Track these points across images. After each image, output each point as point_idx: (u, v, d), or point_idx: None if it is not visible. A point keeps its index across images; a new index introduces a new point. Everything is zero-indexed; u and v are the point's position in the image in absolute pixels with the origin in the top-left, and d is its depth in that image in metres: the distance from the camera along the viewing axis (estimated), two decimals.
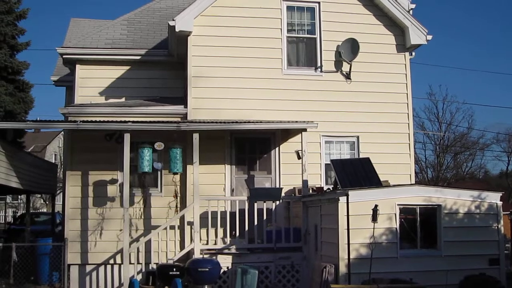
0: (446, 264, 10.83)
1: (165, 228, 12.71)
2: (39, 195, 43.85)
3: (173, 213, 13.48)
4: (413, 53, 16.20)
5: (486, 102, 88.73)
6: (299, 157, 13.26)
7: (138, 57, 15.22)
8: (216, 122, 13.07)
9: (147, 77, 15.32)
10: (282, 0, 14.47)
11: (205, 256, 12.41)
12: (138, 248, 12.73)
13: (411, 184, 13.34)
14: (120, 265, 12.96)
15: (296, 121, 13.41)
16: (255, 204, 12.81)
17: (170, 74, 15.38)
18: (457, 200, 11.21)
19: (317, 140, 14.14)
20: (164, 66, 15.37)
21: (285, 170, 14.01)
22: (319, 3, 14.63)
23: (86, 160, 13.49)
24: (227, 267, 12.48)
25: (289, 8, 14.58)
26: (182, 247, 13.10)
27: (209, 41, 14.02)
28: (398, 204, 10.87)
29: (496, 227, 11.41)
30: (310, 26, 14.69)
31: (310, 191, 13.20)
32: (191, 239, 12.75)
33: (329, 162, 13.65)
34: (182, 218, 13.11)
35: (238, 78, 14.04)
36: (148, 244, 12.67)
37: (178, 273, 11.66)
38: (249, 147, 14.24)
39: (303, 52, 14.71)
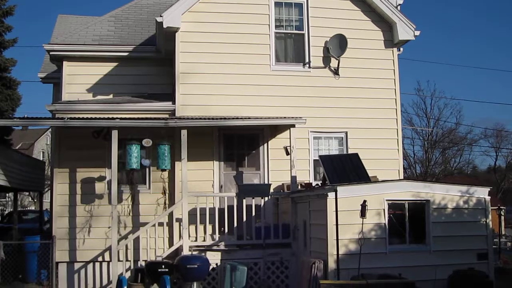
0: (434, 259, 10.87)
1: (154, 225, 12.65)
2: (27, 193, 43.64)
3: (161, 210, 13.43)
4: (401, 49, 16.19)
5: (474, 98, 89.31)
6: (287, 153, 13.28)
7: (126, 54, 15.17)
8: (204, 119, 13.03)
9: (135, 74, 15.27)
10: None
11: (194, 253, 12.38)
12: (126, 245, 12.67)
13: (399, 180, 13.35)
14: (108, 262, 12.90)
15: (285, 117, 13.40)
16: (244, 201, 12.79)
17: (158, 70, 15.34)
18: (445, 195, 11.25)
19: (306, 136, 14.13)
20: (152, 62, 15.33)
21: (273, 166, 13.99)
22: None
23: (74, 157, 13.40)
24: (216, 264, 12.47)
25: (277, 4, 14.54)
26: (170, 244, 13.05)
27: (197, 37, 13.97)
28: (387, 200, 10.88)
29: (485, 222, 11.46)
30: (298, 22, 14.66)
31: (299, 187, 13.19)
32: (180, 236, 12.70)
33: (317, 158, 13.65)
34: (170, 215, 13.07)
35: (226, 74, 14.00)
36: (136, 241, 12.61)
37: (166, 270, 11.61)
38: (237, 143, 14.20)
39: (291, 48, 14.68)
